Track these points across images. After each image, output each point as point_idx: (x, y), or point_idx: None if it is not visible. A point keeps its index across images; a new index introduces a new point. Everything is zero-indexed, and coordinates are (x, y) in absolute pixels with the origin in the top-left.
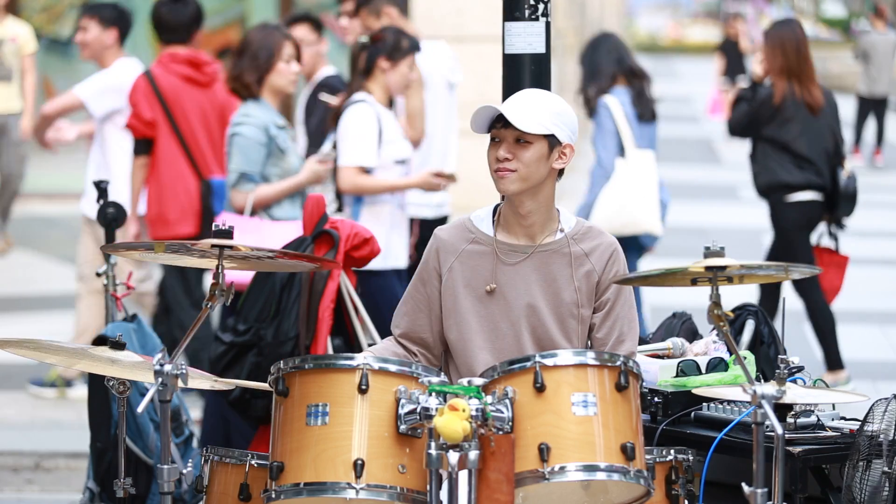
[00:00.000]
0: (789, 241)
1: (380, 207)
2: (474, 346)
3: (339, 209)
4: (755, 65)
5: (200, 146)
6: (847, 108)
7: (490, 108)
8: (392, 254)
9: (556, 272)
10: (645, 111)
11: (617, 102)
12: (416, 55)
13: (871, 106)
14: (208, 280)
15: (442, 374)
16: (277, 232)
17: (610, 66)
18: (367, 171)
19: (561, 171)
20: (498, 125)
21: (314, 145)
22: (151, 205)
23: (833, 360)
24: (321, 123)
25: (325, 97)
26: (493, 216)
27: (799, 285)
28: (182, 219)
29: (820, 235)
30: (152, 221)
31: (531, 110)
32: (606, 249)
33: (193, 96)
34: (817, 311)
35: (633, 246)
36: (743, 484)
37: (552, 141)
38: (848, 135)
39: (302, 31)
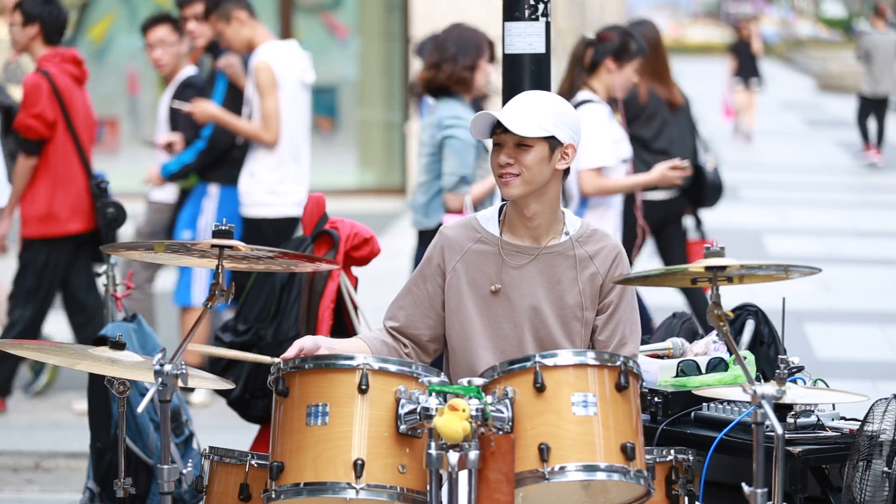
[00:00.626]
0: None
1: (604, 209)
2: (477, 346)
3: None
4: None
5: (87, 144)
6: (847, 109)
7: (487, 115)
8: None
9: (560, 274)
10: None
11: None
12: (638, 59)
13: (873, 106)
14: None
15: (442, 374)
16: None
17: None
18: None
19: (566, 172)
20: (498, 130)
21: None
22: (39, 202)
23: None
24: (189, 124)
25: (177, 104)
26: (500, 216)
27: None
28: (73, 216)
29: (686, 231)
30: (41, 219)
31: (529, 113)
32: (611, 252)
33: (79, 95)
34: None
35: None
36: (743, 484)
37: (553, 142)
38: (853, 136)
39: (163, 32)
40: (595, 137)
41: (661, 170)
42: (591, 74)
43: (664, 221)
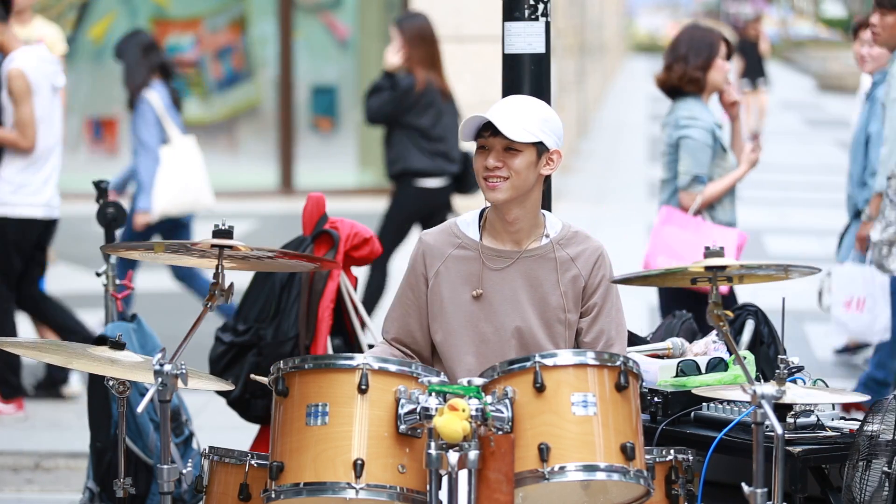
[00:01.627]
0: (400, 223)
1: None
2: (459, 351)
3: None
4: (390, 55)
5: None
6: (847, 109)
7: (478, 117)
8: None
9: (542, 277)
10: (177, 102)
11: (157, 95)
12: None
13: None
14: None
15: (442, 374)
16: (716, 234)
17: (147, 61)
18: None
19: (548, 177)
20: (486, 133)
21: None
22: None
23: None
24: None
25: None
26: (480, 221)
27: None
28: None
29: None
30: None
31: (519, 118)
32: (592, 254)
33: None
34: None
35: (187, 223)
36: (743, 484)
37: (540, 148)
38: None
39: None
40: None
41: None
42: None
43: (436, 209)
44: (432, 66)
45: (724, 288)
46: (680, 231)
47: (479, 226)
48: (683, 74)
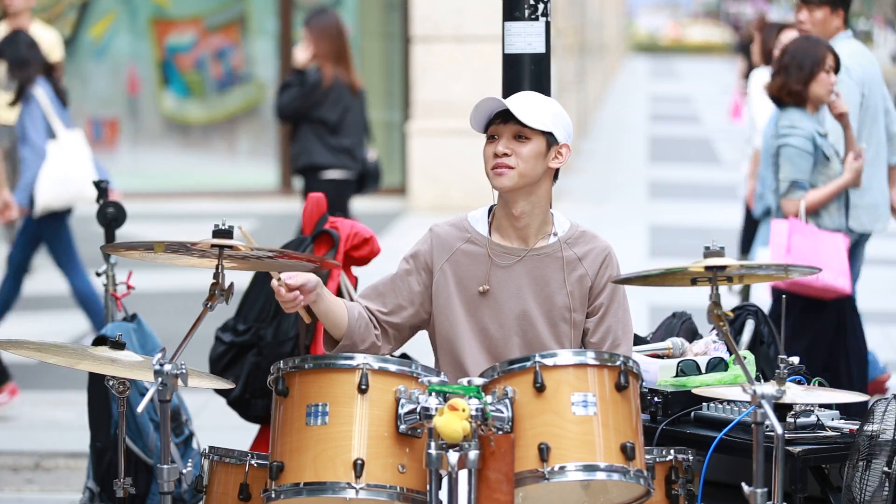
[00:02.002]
0: None
1: None
2: (464, 346)
3: None
4: (298, 52)
5: None
6: None
7: (493, 100)
8: None
9: (548, 276)
10: (63, 98)
11: (43, 92)
12: None
13: None
14: None
15: (442, 374)
16: (827, 241)
17: (33, 58)
18: None
19: (556, 174)
20: (496, 122)
21: None
22: None
23: None
24: None
25: None
26: (489, 217)
27: None
28: None
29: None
30: None
31: (532, 107)
32: (600, 254)
33: None
34: None
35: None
36: (743, 484)
37: (550, 139)
38: None
39: None
40: None
41: None
42: None
43: (344, 200)
44: (339, 61)
45: (849, 290)
46: (803, 238)
47: (488, 222)
48: (783, 86)
